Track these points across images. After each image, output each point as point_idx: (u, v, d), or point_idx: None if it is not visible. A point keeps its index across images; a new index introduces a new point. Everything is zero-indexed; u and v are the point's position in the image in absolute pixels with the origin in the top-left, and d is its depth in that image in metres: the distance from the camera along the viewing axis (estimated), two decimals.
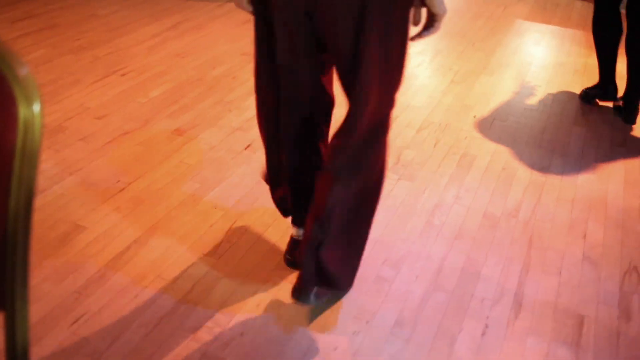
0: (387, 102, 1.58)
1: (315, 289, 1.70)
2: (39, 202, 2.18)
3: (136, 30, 3.72)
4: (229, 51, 3.53)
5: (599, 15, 2.95)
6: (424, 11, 1.52)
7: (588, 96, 3.17)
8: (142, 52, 3.43)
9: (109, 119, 2.74)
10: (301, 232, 1.91)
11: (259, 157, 2.53)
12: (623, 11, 2.91)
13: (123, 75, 3.15)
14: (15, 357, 0.92)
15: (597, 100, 3.16)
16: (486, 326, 1.80)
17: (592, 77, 3.47)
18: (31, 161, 0.84)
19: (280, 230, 2.11)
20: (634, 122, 2.95)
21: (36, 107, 0.81)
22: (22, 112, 0.81)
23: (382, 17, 1.42)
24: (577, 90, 3.31)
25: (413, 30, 1.50)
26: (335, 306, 1.83)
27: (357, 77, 1.48)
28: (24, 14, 3.81)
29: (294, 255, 1.94)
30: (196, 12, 4.09)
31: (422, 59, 3.60)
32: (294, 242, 1.97)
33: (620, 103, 3.02)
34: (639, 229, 2.25)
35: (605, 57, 3.02)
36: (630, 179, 2.55)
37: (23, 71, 0.81)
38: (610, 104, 3.14)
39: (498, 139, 2.78)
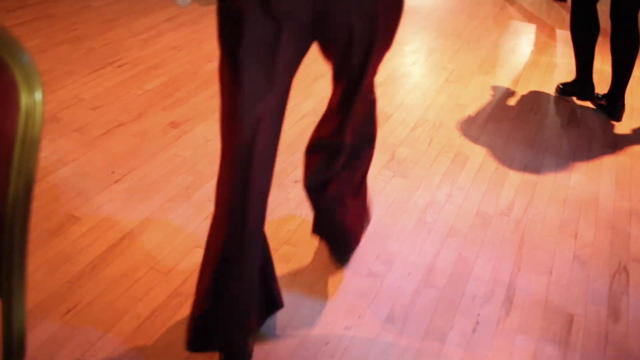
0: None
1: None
2: None
3: (131, 23, 3.71)
4: None
5: (577, 15, 3.00)
6: None
7: (565, 91, 3.22)
8: (137, 45, 3.42)
9: (104, 110, 2.74)
10: None
11: None
12: (604, 8, 2.95)
13: (118, 67, 3.14)
14: (12, 343, 0.92)
15: (575, 98, 3.20)
16: (477, 323, 1.82)
17: None
18: (31, 149, 0.84)
19: (273, 223, 2.12)
20: (619, 119, 3.01)
21: (38, 95, 0.82)
22: (24, 99, 0.81)
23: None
24: None
25: None
26: (327, 301, 1.84)
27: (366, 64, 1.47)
28: (18, 4, 3.79)
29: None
30: (191, 6, 4.08)
31: (417, 57, 3.61)
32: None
33: (604, 101, 3.07)
34: (629, 229, 2.28)
35: (582, 56, 3.06)
36: (621, 180, 2.58)
37: (25, 59, 0.81)
38: (589, 104, 3.16)
39: (491, 139, 2.80)
